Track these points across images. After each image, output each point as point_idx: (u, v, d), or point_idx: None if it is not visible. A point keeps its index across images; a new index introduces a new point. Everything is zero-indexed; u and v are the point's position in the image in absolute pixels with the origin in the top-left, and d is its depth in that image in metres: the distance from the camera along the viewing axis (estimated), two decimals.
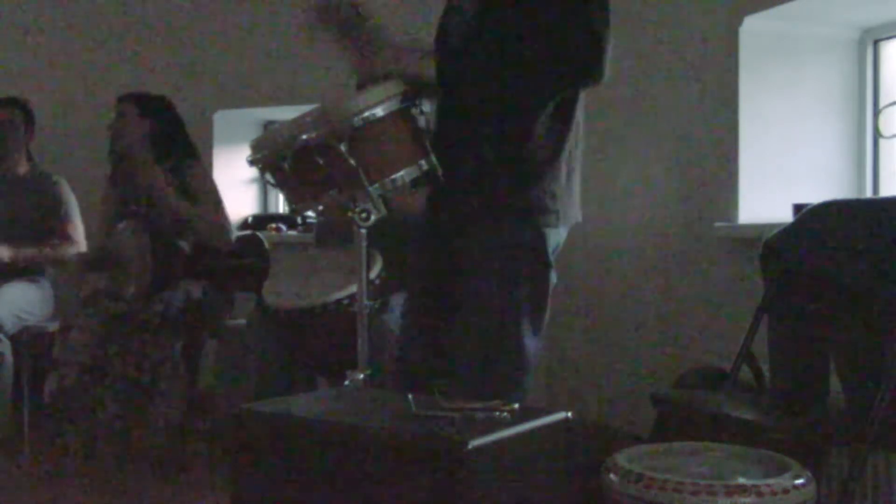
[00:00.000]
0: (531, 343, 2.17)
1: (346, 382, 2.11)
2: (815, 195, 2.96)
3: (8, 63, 5.02)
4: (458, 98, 2.20)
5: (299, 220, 4.50)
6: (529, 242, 2.16)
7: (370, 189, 2.02)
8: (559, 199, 2.16)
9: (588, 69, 2.05)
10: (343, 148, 2.00)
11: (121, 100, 3.68)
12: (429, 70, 2.17)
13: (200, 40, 4.76)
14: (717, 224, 3.27)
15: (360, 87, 2.23)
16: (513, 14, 2.10)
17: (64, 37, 4.99)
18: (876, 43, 3.37)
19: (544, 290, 2.18)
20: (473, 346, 2.17)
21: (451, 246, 2.23)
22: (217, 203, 3.65)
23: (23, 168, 3.99)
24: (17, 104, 3.96)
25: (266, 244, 3.79)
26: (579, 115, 2.21)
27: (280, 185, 2.19)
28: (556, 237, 2.20)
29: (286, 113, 4.69)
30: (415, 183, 2.13)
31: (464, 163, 2.19)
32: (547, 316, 2.21)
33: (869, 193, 3.36)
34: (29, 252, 3.82)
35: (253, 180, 4.96)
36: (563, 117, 2.17)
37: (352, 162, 2.00)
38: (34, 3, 5.06)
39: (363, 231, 2.08)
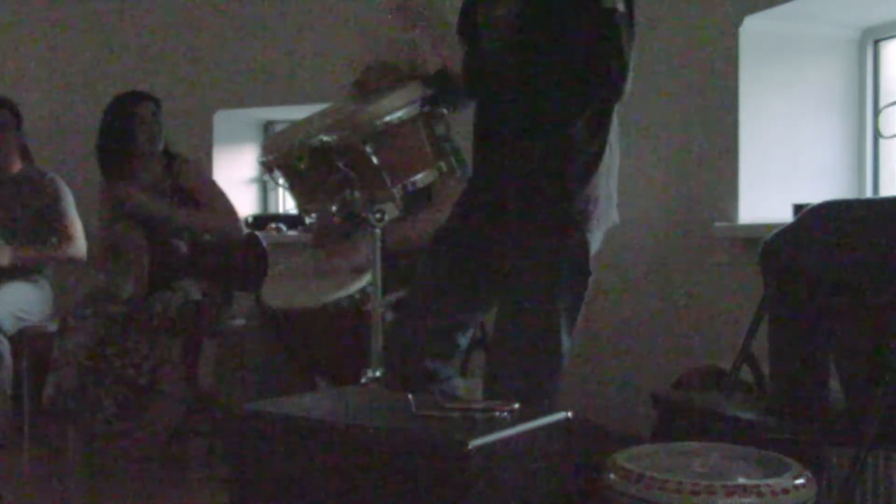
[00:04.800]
0: (567, 344, 2.23)
1: (363, 380, 2.13)
2: (815, 195, 2.96)
3: (6, 61, 5.02)
4: (495, 109, 2.23)
5: (307, 220, 4.49)
6: (573, 250, 2.19)
7: (394, 191, 2.04)
8: (600, 203, 2.20)
9: (614, 89, 2.09)
10: (369, 150, 2.01)
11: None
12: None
13: (200, 40, 4.76)
14: (717, 224, 3.27)
15: (359, 86, 2.24)
16: (547, 33, 2.12)
17: (62, 35, 4.98)
18: (876, 43, 3.37)
19: (582, 296, 2.23)
20: (515, 352, 2.22)
21: (492, 254, 2.27)
22: (221, 195, 3.65)
23: (17, 167, 3.98)
24: (5, 104, 3.95)
25: (266, 244, 3.79)
26: (615, 119, 2.24)
27: (292, 185, 2.19)
28: (595, 242, 2.24)
29: (286, 113, 4.70)
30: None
31: (507, 173, 2.22)
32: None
33: (869, 193, 3.36)
34: (29, 254, 3.82)
35: (253, 180, 4.96)
36: (601, 124, 2.19)
37: (376, 163, 2.01)
38: (34, 2, 5.05)
39: (377, 232, 2.10)
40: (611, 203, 2.26)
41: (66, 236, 3.89)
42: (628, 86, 2.08)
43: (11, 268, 3.77)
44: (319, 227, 3.21)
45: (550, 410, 1.75)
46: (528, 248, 2.20)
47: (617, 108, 2.23)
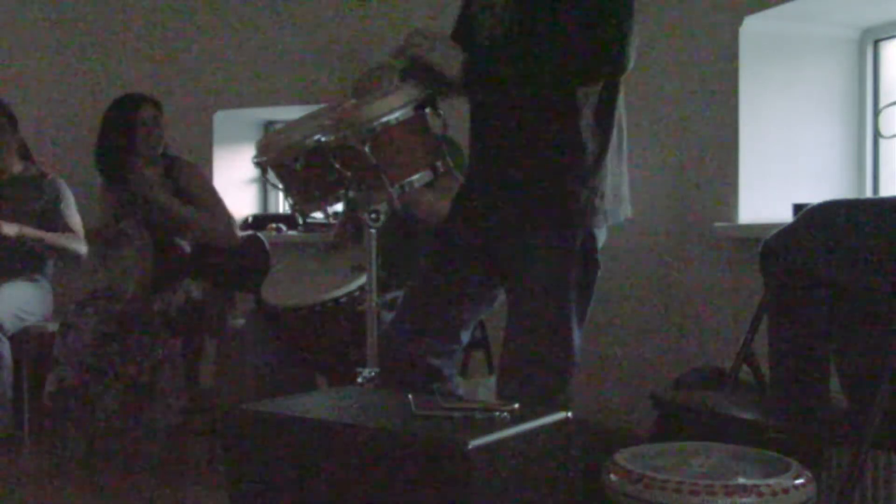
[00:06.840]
0: (577, 339, 2.23)
1: (359, 380, 2.13)
2: (815, 195, 2.96)
3: (6, 61, 5.01)
4: (494, 97, 2.22)
5: (301, 220, 4.49)
6: (581, 245, 2.19)
7: (392, 190, 2.05)
8: (607, 198, 2.20)
9: (613, 61, 2.07)
10: (367, 150, 2.01)
11: None
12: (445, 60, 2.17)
13: (200, 40, 4.76)
14: (717, 224, 3.27)
15: (359, 89, 2.24)
16: (544, 8, 2.12)
17: (62, 35, 4.98)
18: (876, 43, 3.37)
19: (591, 289, 2.24)
20: (527, 348, 2.22)
21: (495, 250, 2.26)
22: (220, 202, 3.66)
23: (17, 168, 3.99)
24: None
25: (266, 244, 3.79)
26: (620, 112, 2.23)
27: (287, 186, 2.19)
28: (602, 236, 2.25)
29: (286, 113, 4.70)
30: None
31: (511, 167, 2.22)
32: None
33: (869, 193, 3.36)
34: (34, 233, 3.81)
35: (253, 180, 4.96)
36: (606, 117, 2.19)
37: (374, 164, 2.02)
38: (34, 2, 5.05)
39: (373, 231, 2.11)
40: (619, 198, 2.25)
41: (67, 232, 3.89)
42: (630, 60, 2.07)
43: (15, 255, 3.76)
44: (340, 228, 3.20)
45: (566, 405, 1.74)
46: (534, 243, 2.20)
47: (620, 102, 2.23)
